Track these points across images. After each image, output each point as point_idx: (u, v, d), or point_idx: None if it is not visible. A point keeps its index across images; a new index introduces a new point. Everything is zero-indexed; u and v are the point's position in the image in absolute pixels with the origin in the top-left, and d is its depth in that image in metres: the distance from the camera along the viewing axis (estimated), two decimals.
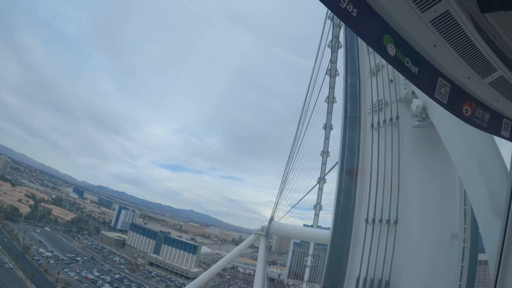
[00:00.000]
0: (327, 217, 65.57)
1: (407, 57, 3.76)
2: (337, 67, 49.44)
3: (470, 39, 3.80)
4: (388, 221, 11.63)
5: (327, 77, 50.82)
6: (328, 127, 59.01)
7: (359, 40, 17.92)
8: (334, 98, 55.32)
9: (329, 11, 40.37)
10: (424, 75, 3.99)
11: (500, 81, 4.47)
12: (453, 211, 11.74)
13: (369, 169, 13.25)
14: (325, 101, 55.63)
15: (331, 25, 46.08)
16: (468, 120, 4.70)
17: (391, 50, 3.54)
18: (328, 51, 46.84)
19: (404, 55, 3.71)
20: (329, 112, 57.71)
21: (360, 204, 13.18)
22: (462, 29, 3.64)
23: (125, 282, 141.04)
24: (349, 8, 2.92)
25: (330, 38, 46.53)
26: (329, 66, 49.09)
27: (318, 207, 63.89)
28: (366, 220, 12.40)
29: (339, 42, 43.22)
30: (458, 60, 4.04)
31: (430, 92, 4.15)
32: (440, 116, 10.75)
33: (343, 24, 21.36)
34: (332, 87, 54.22)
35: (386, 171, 12.38)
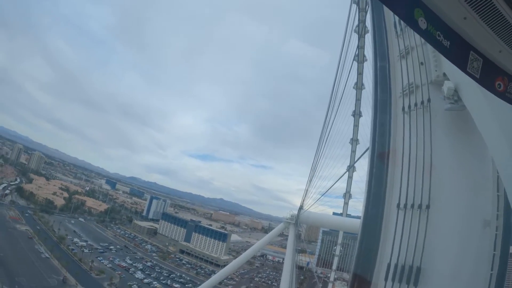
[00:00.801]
0: (356, 206, 65.29)
1: (438, 31, 3.74)
2: (365, 53, 48.70)
3: (499, 10, 3.75)
4: (420, 206, 11.45)
5: (355, 64, 50.15)
6: (357, 114, 58.33)
7: (387, 23, 17.59)
8: (362, 84, 54.58)
9: None
10: (456, 49, 3.96)
11: None
12: (485, 197, 11.38)
13: (400, 153, 13.05)
14: (353, 87, 54.96)
15: (357, 9, 45.34)
16: (501, 96, 4.63)
17: (422, 23, 3.54)
18: (354, 36, 46.10)
19: (435, 28, 3.70)
20: (358, 99, 57.03)
21: (392, 189, 13.01)
22: (491, 0, 3.60)
23: (156, 270, 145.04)
24: None
25: (356, 23, 45.86)
26: (357, 52, 48.33)
27: (347, 195, 63.65)
28: (398, 205, 12.24)
29: (365, 27, 42.49)
30: (489, 32, 3.98)
31: (462, 66, 4.12)
32: (473, 97, 10.44)
33: (370, 8, 21.01)
34: (360, 73, 53.42)
35: (418, 155, 12.15)
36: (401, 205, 12.09)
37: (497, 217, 11.16)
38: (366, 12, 44.42)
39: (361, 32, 44.60)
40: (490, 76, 4.42)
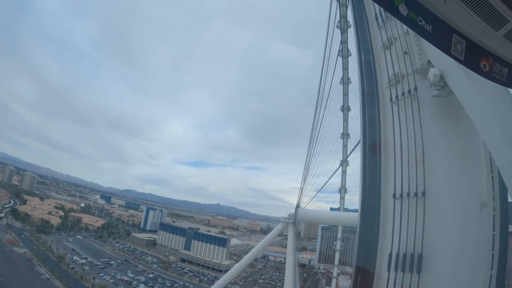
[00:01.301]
0: (352, 199, 65.52)
1: (420, 16, 3.75)
2: (349, 47, 48.95)
3: None
4: (416, 194, 11.50)
5: (340, 59, 50.36)
6: (345, 108, 58.57)
7: (369, 15, 17.67)
8: (348, 78, 54.85)
9: None
10: (439, 33, 3.98)
11: None
12: (480, 179, 11.50)
13: (392, 143, 13.10)
14: (340, 82, 55.16)
15: (338, 5, 45.57)
16: (487, 76, 4.67)
17: (403, 10, 3.55)
18: (337, 32, 46.30)
19: (416, 14, 3.71)
20: (345, 94, 57.27)
21: (386, 180, 13.05)
22: None
23: (159, 281, 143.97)
24: None
25: (338, 19, 46.06)
26: (341, 47, 48.56)
27: (343, 190, 63.85)
28: (394, 195, 12.27)
29: (347, 22, 42.67)
30: (470, 14, 4.00)
31: (446, 49, 4.14)
32: (459, 81, 10.52)
33: (350, 2, 21.11)
34: (345, 68, 53.71)
35: (410, 144, 12.22)
36: (397, 195, 12.12)
37: (493, 198, 11.27)
38: (347, 7, 44.73)
39: (343, 27, 44.80)
40: (474, 57, 4.46)
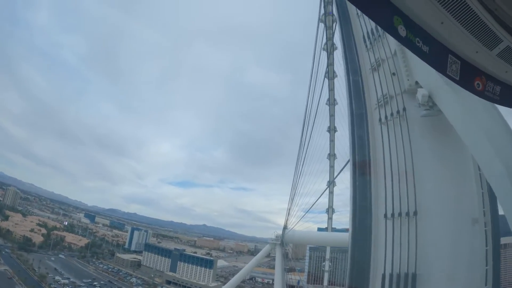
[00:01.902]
0: (339, 219, 65.54)
1: (417, 37, 3.84)
2: (335, 69, 49.71)
3: (474, 12, 3.90)
4: (407, 213, 11.53)
5: (326, 81, 51.05)
6: (332, 129, 59.08)
7: (356, 38, 18.00)
8: (335, 100, 55.48)
9: (321, 15, 40.77)
10: (435, 54, 4.09)
11: (507, 51, 4.54)
12: (471, 196, 11.68)
13: (381, 163, 13.19)
14: (326, 104, 55.69)
15: (324, 28, 46.41)
16: (481, 94, 4.80)
17: (402, 31, 3.62)
18: (323, 54, 47.03)
19: (414, 35, 3.79)
20: (332, 115, 57.85)
21: (377, 200, 13.08)
22: (466, 3, 3.73)
23: None
24: None
25: (324, 41, 46.86)
26: (327, 69, 49.26)
27: (330, 210, 64.00)
28: (385, 215, 12.29)
29: (334, 44, 43.42)
30: (465, 34, 4.11)
31: (442, 69, 4.23)
32: (447, 101, 10.79)
33: (338, 25, 21.49)
34: (331, 90, 54.39)
35: (400, 164, 12.32)
36: (389, 215, 12.14)
37: (484, 213, 11.42)
38: (333, 30, 45.65)
39: (329, 49, 45.57)
40: (468, 77, 4.57)
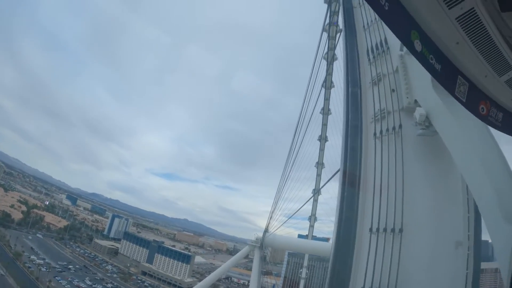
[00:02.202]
0: (321, 228, 65.68)
1: (431, 54, 3.83)
2: (333, 79, 49.90)
3: (491, 37, 3.91)
4: (393, 230, 11.55)
5: (323, 89, 51.26)
6: (323, 138, 59.18)
7: (360, 50, 18.06)
8: (329, 110, 55.68)
9: (326, 24, 40.99)
10: (446, 73, 4.08)
11: None
12: (457, 219, 11.77)
13: (372, 177, 13.21)
14: (320, 112, 55.84)
15: (327, 37, 46.65)
16: (484, 119, 4.83)
17: (418, 46, 3.62)
18: (323, 63, 47.31)
19: (428, 51, 3.78)
20: (324, 124, 57.98)
21: (363, 213, 13.09)
22: (484, 26, 3.74)
23: None
24: (382, 1, 3.02)
25: (325, 50, 47.10)
26: (325, 78, 49.45)
27: (313, 218, 64.00)
28: (370, 229, 12.29)
29: (334, 54, 43.67)
30: (478, 57, 4.12)
31: (451, 90, 4.24)
32: (444, 123, 10.86)
33: (343, 35, 21.53)
34: (327, 99, 54.58)
35: (390, 180, 12.36)
36: (374, 229, 12.15)
37: (469, 237, 11.50)
38: (335, 40, 45.86)
39: (330, 59, 45.79)
40: (475, 100, 4.59)
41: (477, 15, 3.50)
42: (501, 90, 4.69)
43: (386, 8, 3.02)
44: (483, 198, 9.00)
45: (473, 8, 3.42)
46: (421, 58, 3.69)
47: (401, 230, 11.39)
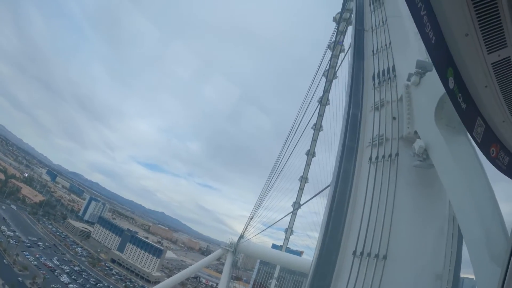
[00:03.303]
0: (296, 241, 65.91)
1: (460, 93, 3.95)
2: (329, 97, 50.34)
3: None
4: (377, 256, 11.60)
5: (317, 105, 51.71)
6: (311, 153, 59.45)
7: (366, 73, 18.22)
8: (321, 126, 56.07)
9: (331, 42, 41.51)
10: (469, 112, 4.23)
11: None
12: (440, 252, 11.95)
13: (362, 201, 13.27)
14: (312, 128, 56.20)
15: (331, 55, 47.21)
16: (492, 161, 5.07)
17: (451, 83, 3.73)
18: (322, 80, 47.84)
19: (459, 90, 3.90)
20: (314, 140, 58.33)
21: (348, 235, 13.12)
22: None
23: (83, 276, 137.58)
24: (430, 34, 3.11)
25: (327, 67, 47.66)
26: (322, 95, 49.91)
27: (289, 231, 64.03)
28: (354, 252, 12.33)
29: (335, 72, 44.23)
30: (501, 102, 4.24)
31: (470, 129, 4.41)
32: (442, 158, 11.02)
33: (351, 56, 21.72)
34: (321, 115, 54.98)
35: (380, 206, 12.43)
36: (358, 253, 12.18)
37: (449, 272, 11.66)
38: (337, 58, 46.44)
39: (330, 77, 46.30)
40: (488, 142, 4.75)
41: (511, 64, 3.60)
42: None
43: (433, 41, 3.10)
44: (471, 235, 9.21)
45: (509, 56, 3.51)
46: (452, 95, 3.81)
47: (385, 257, 11.45)
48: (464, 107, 4.01)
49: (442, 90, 9.78)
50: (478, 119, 4.36)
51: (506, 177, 6.13)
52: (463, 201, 9.80)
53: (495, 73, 3.68)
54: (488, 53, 3.45)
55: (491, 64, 3.57)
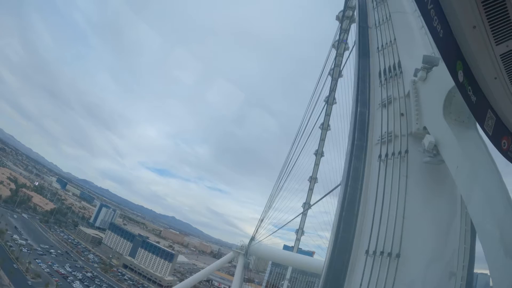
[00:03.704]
0: (307, 241, 65.81)
1: (470, 86, 3.92)
2: (335, 96, 50.30)
3: None
4: (390, 254, 11.49)
5: (324, 104, 51.67)
6: (319, 153, 59.32)
7: (372, 71, 18.13)
8: (329, 125, 55.98)
9: (335, 41, 41.72)
10: (479, 105, 4.21)
11: None
12: (453, 249, 11.80)
13: (373, 199, 13.17)
14: (320, 127, 56.11)
15: (336, 54, 47.25)
16: (504, 153, 5.06)
17: (461, 76, 3.70)
18: (328, 78, 47.84)
19: (468, 83, 3.87)
20: (322, 139, 58.24)
21: (360, 234, 13.01)
22: None
23: (96, 282, 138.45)
24: (438, 28, 3.09)
25: (333, 66, 47.71)
26: (328, 94, 49.86)
27: (300, 232, 63.86)
28: (367, 252, 12.22)
29: (340, 71, 44.20)
30: (511, 93, 4.20)
31: (480, 122, 4.40)
32: (452, 153, 10.89)
33: (355, 53, 21.64)
34: (328, 114, 54.90)
35: (392, 204, 12.32)
36: (370, 252, 12.08)
37: (463, 268, 11.53)
38: (342, 57, 46.46)
39: (336, 75, 46.29)
40: (499, 134, 4.74)
41: None
42: None
43: (441, 35, 3.09)
44: (485, 231, 9.12)
45: None
46: (461, 88, 3.79)
47: (398, 255, 11.34)
48: (474, 100, 3.99)
49: (449, 84, 9.78)
50: (488, 111, 4.33)
51: None
52: (475, 196, 9.69)
53: (504, 64, 3.65)
54: (497, 45, 3.43)
55: (500, 55, 3.54)
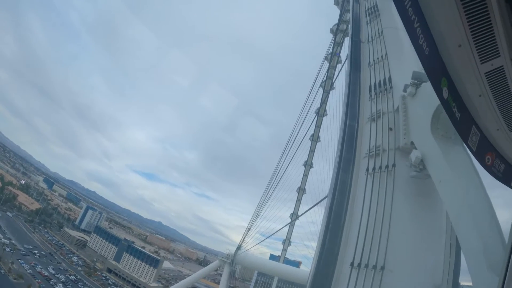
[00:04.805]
0: (294, 251, 65.69)
1: (455, 102, 4.01)
2: (326, 108, 50.54)
3: (511, 94, 4.09)
4: (374, 267, 11.52)
5: (314, 116, 51.88)
6: (308, 164, 59.40)
7: (362, 85, 18.30)
8: (318, 137, 56.14)
9: (328, 53, 42.06)
10: (463, 122, 4.30)
11: None
12: (438, 262, 11.93)
13: (359, 212, 13.24)
14: (309, 139, 56.24)
15: (328, 66, 47.62)
16: (488, 169, 5.17)
17: (445, 93, 3.79)
18: (319, 90, 48.13)
19: (453, 100, 3.96)
20: (312, 150, 58.38)
21: (346, 246, 13.04)
22: (508, 84, 3.92)
23: (79, 285, 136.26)
24: (424, 46, 3.17)
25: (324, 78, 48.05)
26: (319, 106, 50.10)
27: (287, 242, 63.66)
28: (352, 264, 12.24)
29: (332, 84, 44.53)
30: (495, 111, 4.34)
31: (464, 138, 4.49)
32: (438, 169, 11.06)
33: (347, 66, 21.84)
34: (318, 126, 55.09)
35: (377, 217, 12.40)
36: (355, 264, 12.11)
37: (447, 281, 11.63)
38: (334, 69, 46.82)
39: (327, 87, 46.59)
40: (483, 150, 4.84)
41: (504, 73, 3.65)
42: (508, 144, 4.94)
43: (426, 53, 3.16)
44: (469, 245, 9.24)
45: (502, 66, 3.57)
46: (446, 105, 3.87)
47: (382, 268, 11.38)
48: (458, 116, 4.07)
49: (437, 101, 9.89)
50: (473, 127, 4.42)
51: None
52: (460, 211, 9.84)
53: (488, 83, 3.74)
54: (481, 63, 3.52)
55: (485, 73, 3.63)
